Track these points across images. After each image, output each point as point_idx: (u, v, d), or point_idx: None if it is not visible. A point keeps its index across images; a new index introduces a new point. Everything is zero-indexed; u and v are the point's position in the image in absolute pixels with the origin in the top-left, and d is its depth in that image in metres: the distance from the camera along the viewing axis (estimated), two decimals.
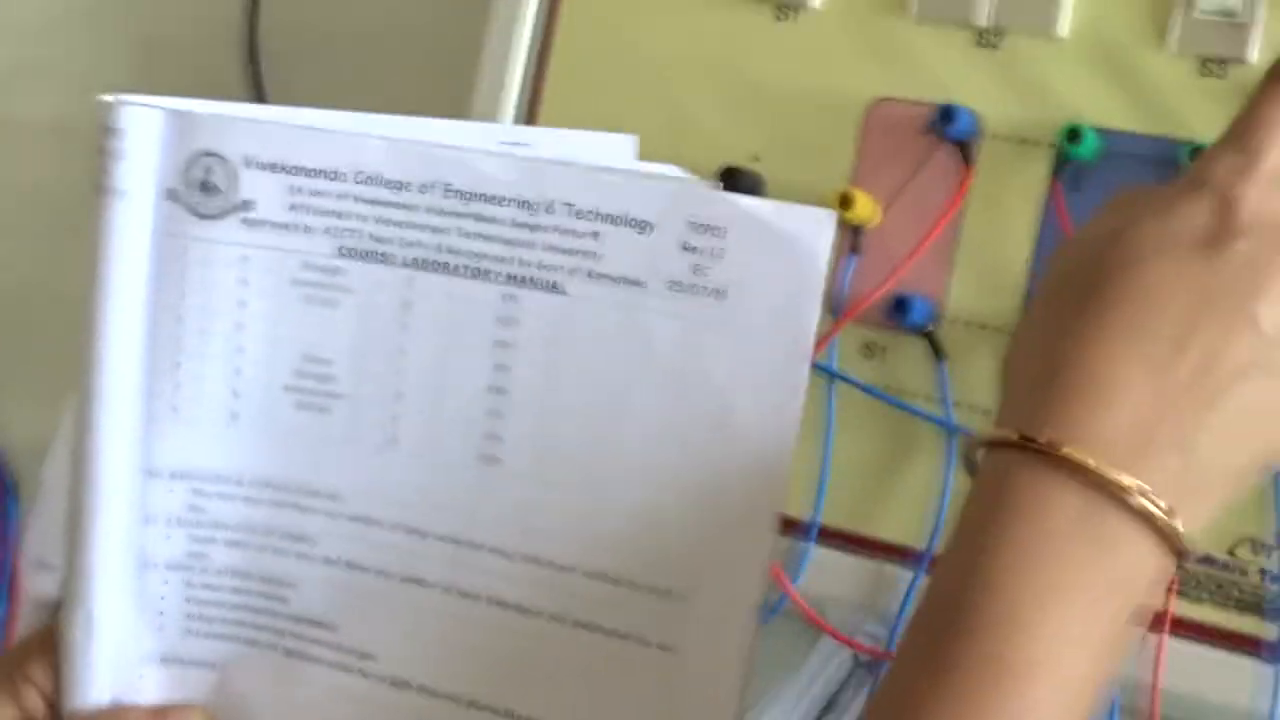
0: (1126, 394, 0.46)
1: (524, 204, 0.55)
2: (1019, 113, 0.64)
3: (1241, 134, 0.50)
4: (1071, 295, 0.48)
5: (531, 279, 0.55)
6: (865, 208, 0.65)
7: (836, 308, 0.66)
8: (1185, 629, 0.60)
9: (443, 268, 0.56)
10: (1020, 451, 0.46)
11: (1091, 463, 0.45)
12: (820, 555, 0.65)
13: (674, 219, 0.54)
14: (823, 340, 0.64)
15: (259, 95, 0.94)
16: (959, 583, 0.46)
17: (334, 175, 0.57)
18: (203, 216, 0.58)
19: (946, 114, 0.64)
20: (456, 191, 0.56)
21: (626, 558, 0.55)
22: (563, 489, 0.56)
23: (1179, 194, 0.49)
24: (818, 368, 0.65)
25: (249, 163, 0.57)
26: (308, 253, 0.57)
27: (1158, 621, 0.60)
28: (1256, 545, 0.60)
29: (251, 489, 0.58)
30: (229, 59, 0.96)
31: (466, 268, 0.56)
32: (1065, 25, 0.64)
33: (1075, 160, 0.63)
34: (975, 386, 0.64)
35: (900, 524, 0.65)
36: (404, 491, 0.57)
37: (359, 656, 0.57)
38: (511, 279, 0.56)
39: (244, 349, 0.58)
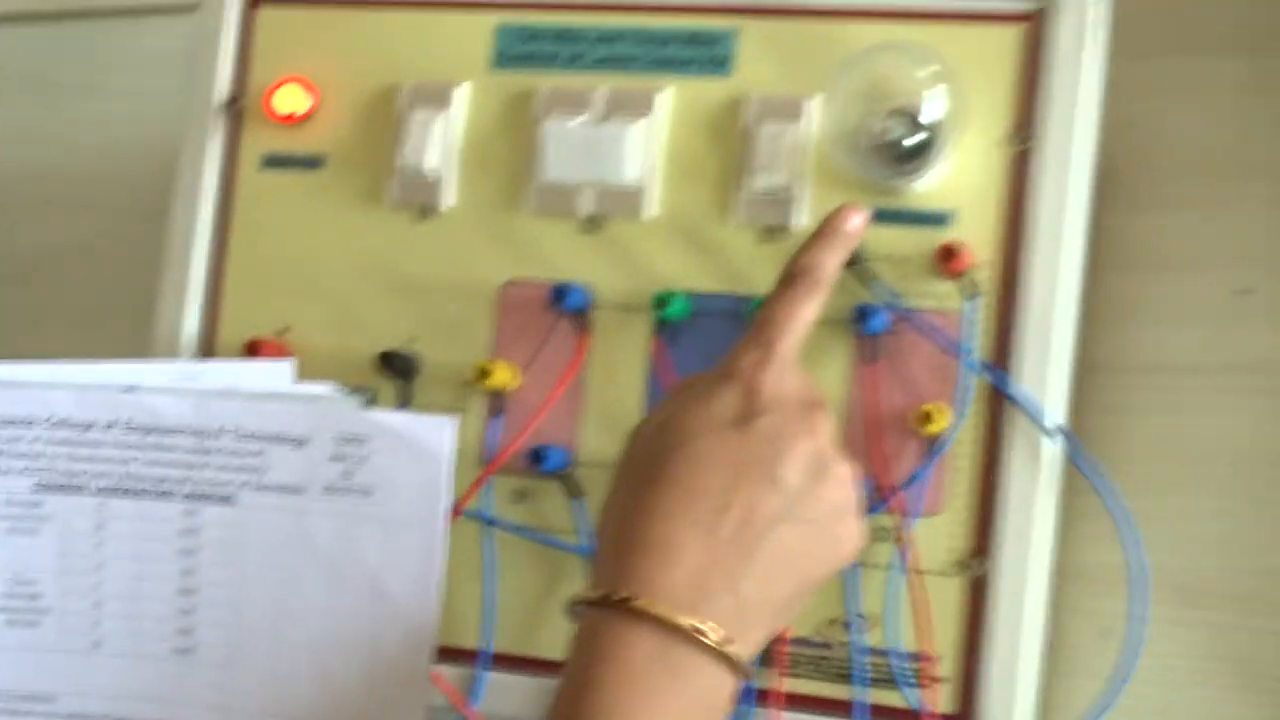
0: (683, 554, 0.58)
1: (196, 432, 0.67)
2: (622, 284, 0.77)
3: (759, 330, 0.63)
4: (638, 474, 0.61)
5: (207, 494, 0.67)
6: (503, 375, 0.76)
7: (486, 461, 0.76)
8: (795, 702, 0.72)
9: (130, 492, 0.67)
10: (605, 608, 0.58)
11: (659, 611, 0.57)
12: (495, 679, 0.75)
13: (324, 434, 0.67)
14: (471, 490, 0.75)
15: None
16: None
17: (28, 423, 0.67)
18: None
19: (561, 291, 0.76)
20: (137, 427, 0.67)
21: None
22: (250, 669, 0.66)
23: (715, 383, 0.62)
24: (474, 515, 0.75)
25: None
26: (8, 490, 0.67)
27: (775, 699, 0.71)
28: (840, 623, 0.72)
29: None
30: None
31: (150, 490, 0.67)
32: (652, 210, 0.77)
33: (670, 320, 0.75)
34: None
35: (558, 642, 0.75)
36: (111, 687, 0.67)
37: None
38: (190, 496, 0.67)
39: None
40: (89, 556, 0.67)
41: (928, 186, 0.73)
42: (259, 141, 0.82)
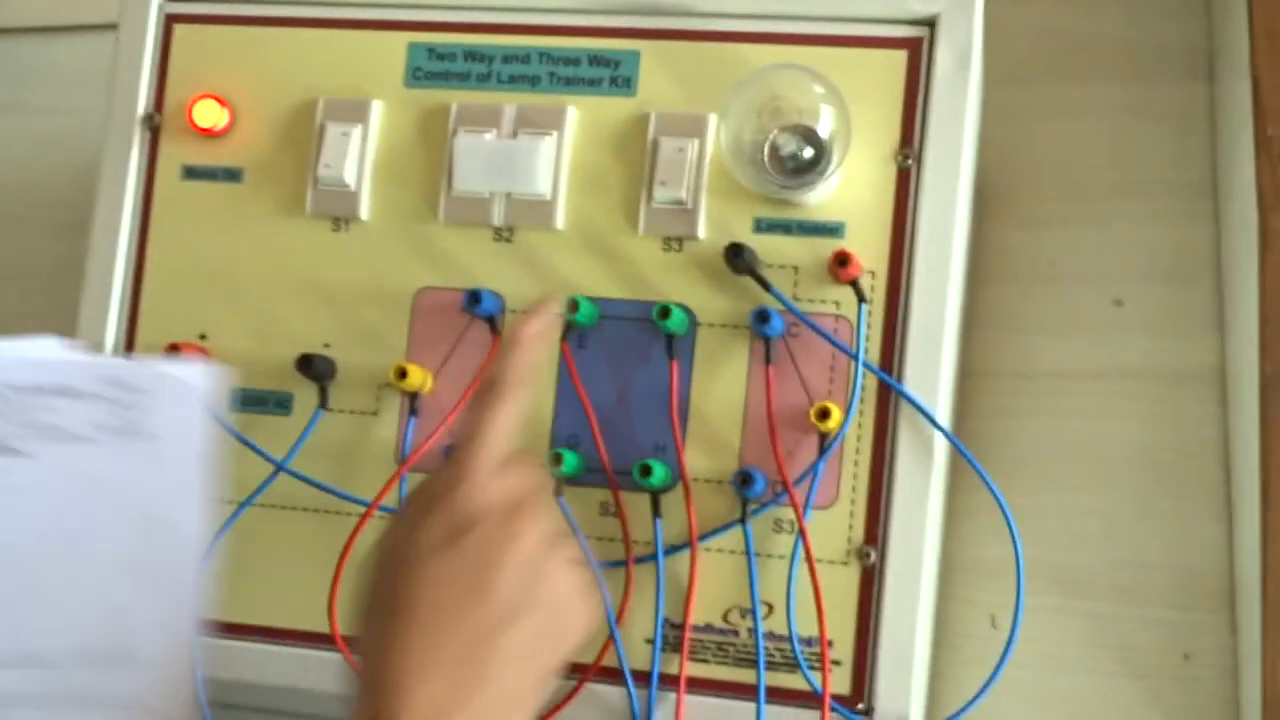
0: (419, 686, 0.61)
1: None
2: (533, 291, 0.80)
3: (455, 451, 0.66)
4: (372, 609, 0.64)
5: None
6: (418, 377, 0.79)
7: (401, 458, 0.79)
8: (699, 685, 0.76)
9: None
10: None
11: None
12: None
13: (99, 384, 0.73)
14: (387, 486, 0.78)
15: None
16: None
17: None
18: None
19: (474, 297, 0.79)
20: None
21: (95, 639, 0.72)
22: (39, 600, 0.72)
23: (423, 510, 0.65)
24: (390, 510, 0.78)
25: None
26: None
27: (674, 682, 0.75)
28: (743, 611, 0.76)
29: None
30: None
31: None
32: (561, 220, 0.80)
33: (578, 325, 0.79)
34: None
35: None
36: None
37: None
38: None
39: None
40: None
41: (820, 199, 0.78)
42: (178, 154, 0.85)
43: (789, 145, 0.75)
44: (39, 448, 0.72)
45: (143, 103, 0.85)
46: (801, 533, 0.74)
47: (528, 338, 0.69)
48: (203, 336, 0.83)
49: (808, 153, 0.75)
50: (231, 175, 0.84)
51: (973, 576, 0.85)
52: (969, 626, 0.84)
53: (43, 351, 0.76)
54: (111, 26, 1.03)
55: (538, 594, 0.64)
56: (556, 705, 0.76)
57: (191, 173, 0.85)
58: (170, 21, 0.86)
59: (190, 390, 0.74)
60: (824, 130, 0.75)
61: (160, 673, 0.73)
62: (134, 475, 0.73)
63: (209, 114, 0.84)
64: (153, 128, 0.85)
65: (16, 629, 0.72)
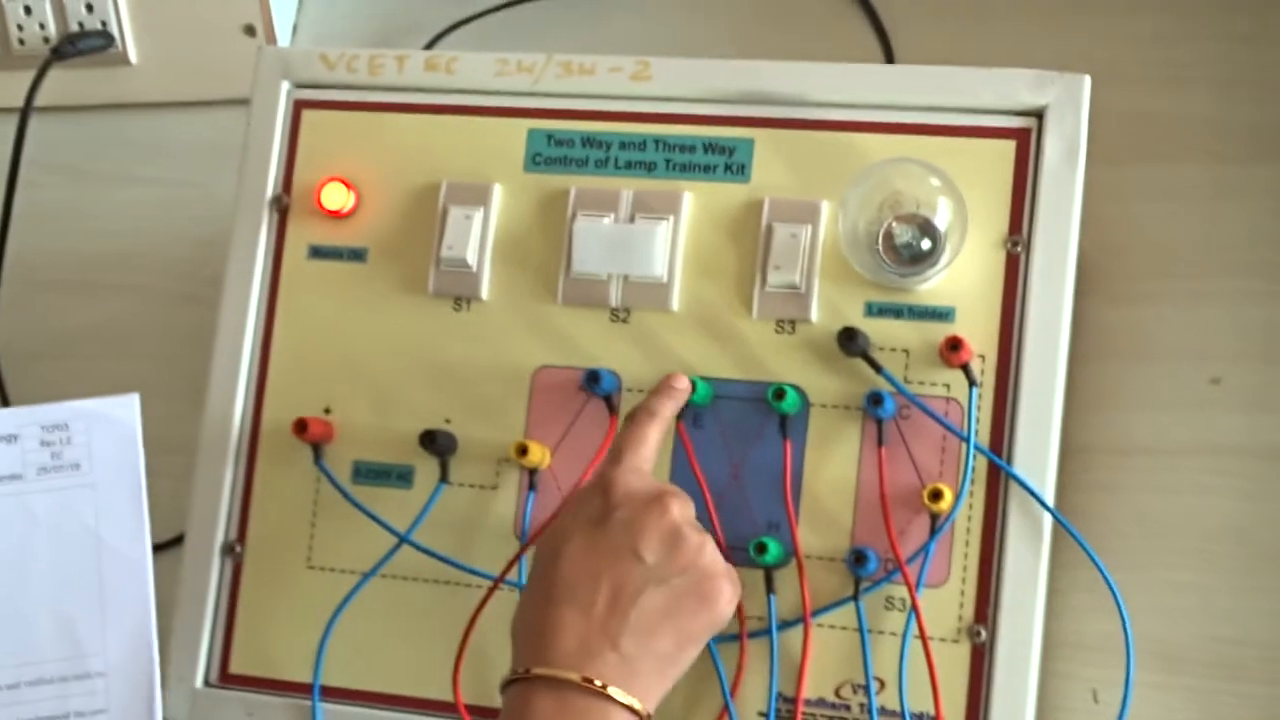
0: (567, 629, 0.72)
1: None
2: (648, 371, 0.83)
3: (613, 448, 0.77)
4: (534, 579, 0.75)
5: None
6: (538, 454, 0.82)
7: (523, 534, 0.82)
8: None
9: None
10: (514, 683, 0.72)
11: (551, 672, 0.70)
12: None
13: (30, 427, 0.82)
14: (511, 563, 0.81)
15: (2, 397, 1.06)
16: None
17: None
18: None
19: (593, 376, 0.82)
20: None
21: (54, 663, 0.80)
22: None
23: (585, 494, 0.76)
24: (513, 584, 0.81)
25: None
26: None
27: None
28: (854, 686, 0.78)
29: None
30: None
31: None
32: (676, 303, 0.83)
33: (693, 404, 0.81)
34: None
35: None
36: None
37: None
38: None
39: None
40: None
41: (931, 285, 0.80)
42: (305, 234, 0.88)
43: (904, 235, 0.77)
44: None
45: (271, 185, 0.89)
46: (915, 610, 0.76)
47: (680, 387, 0.79)
48: (327, 410, 0.86)
49: (925, 244, 0.77)
50: (356, 255, 0.87)
51: (1074, 651, 0.86)
52: (1071, 701, 0.85)
53: None
54: (227, 103, 1.08)
55: (679, 563, 0.73)
56: None
57: (318, 252, 0.88)
58: (299, 107, 0.89)
59: (115, 423, 0.82)
60: (941, 221, 0.77)
61: (118, 684, 0.80)
62: (74, 509, 0.81)
63: (336, 196, 0.87)
64: (281, 209, 0.88)
65: None
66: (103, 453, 0.83)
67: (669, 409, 0.79)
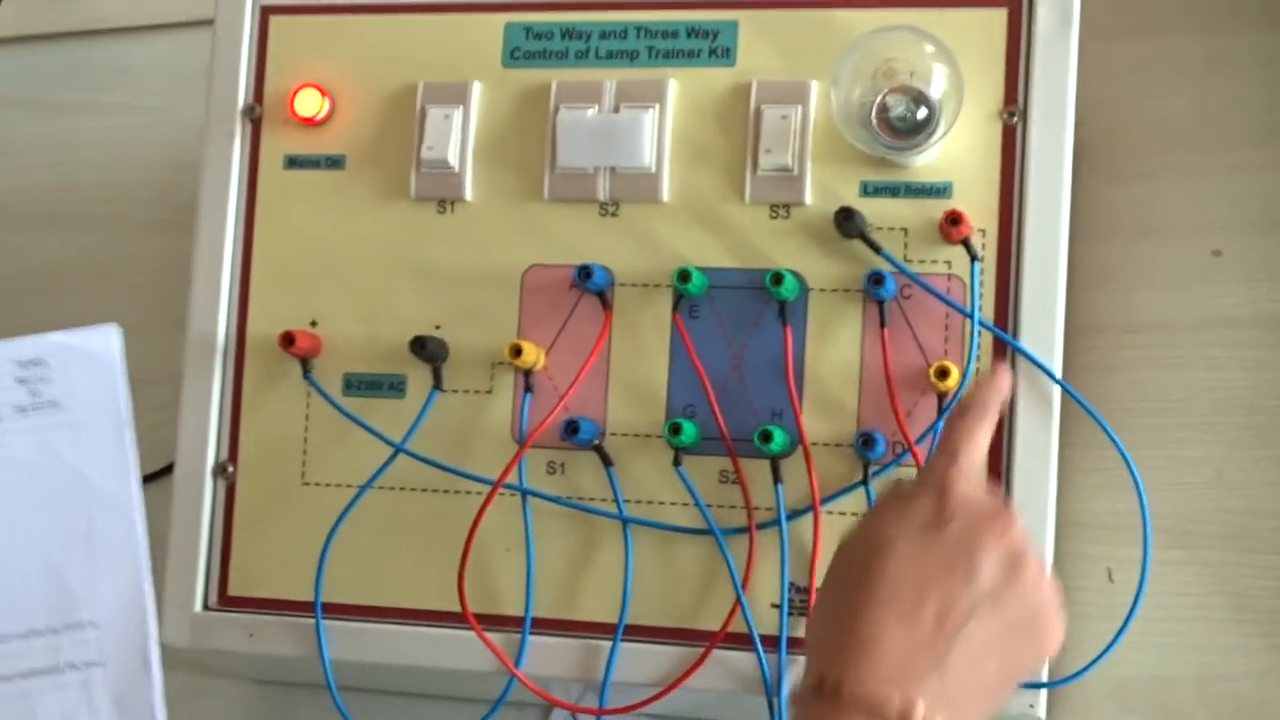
0: (887, 645, 0.62)
1: None
2: (640, 264, 0.81)
3: (946, 444, 0.68)
4: (844, 579, 0.65)
5: None
6: (532, 354, 0.80)
7: (520, 437, 0.80)
8: None
9: None
10: (820, 697, 0.62)
11: (867, 690, 0.61)
12: (537, 642, 0.79)
13: (4, 364, 0.76)
14: (510, 465, 0.79)
15: None
16: None
17: None
18: None
19: (585, 271, 0.80)
20: None
21: (44, 613, 0.75)
22: None
23: (912, 492, 0.66)
24: (511, 487, 0.79)
25: None
26: None
27: (802, 645, 0.75)
28: None
29: None
30: None
31: None
32: (666, 193, 0.81)
33: (688, 295, 0.79)
34: (639, 484, 0.79)
35: (596, 604, 0.79)
36: None
37: None
38: None
39: None
40: None
41: (926, 160, 0.78)
42: (280, 144, 0.85)
43: (898, 107, 0.75)
44: None
45: (242, 95, 0.86)
46: None
47: (1008, 385, 0.71)
48: (313, 323, 0.84)
49: (921, 113, 0.75)
50: (334, 163, 0.85)
51: (1086, 531, 0.85)
52: (1086, 581, 0.84)
53: None
54: (189, 24, 1.05)
55: (1016, 589, 0.64)
56: (684, 673, 0.77)
57: (294, 162, 0.85)
58: (266, 13, 0.86)
59: (95, 356, 0.76)
60: (936, 90, 0.75)
61: (111, 634, 0.75)
62: (55, 449, 0.75)
63: (310, 103, 0.84)
64: (254, 119, 0.86)
65: None
66: (83, 388, 0.76)
67: (998, 406, 0.70)
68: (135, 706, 0.75)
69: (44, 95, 1.08)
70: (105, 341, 0.77)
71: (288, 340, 0.82)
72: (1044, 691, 0.75)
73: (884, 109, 0.75)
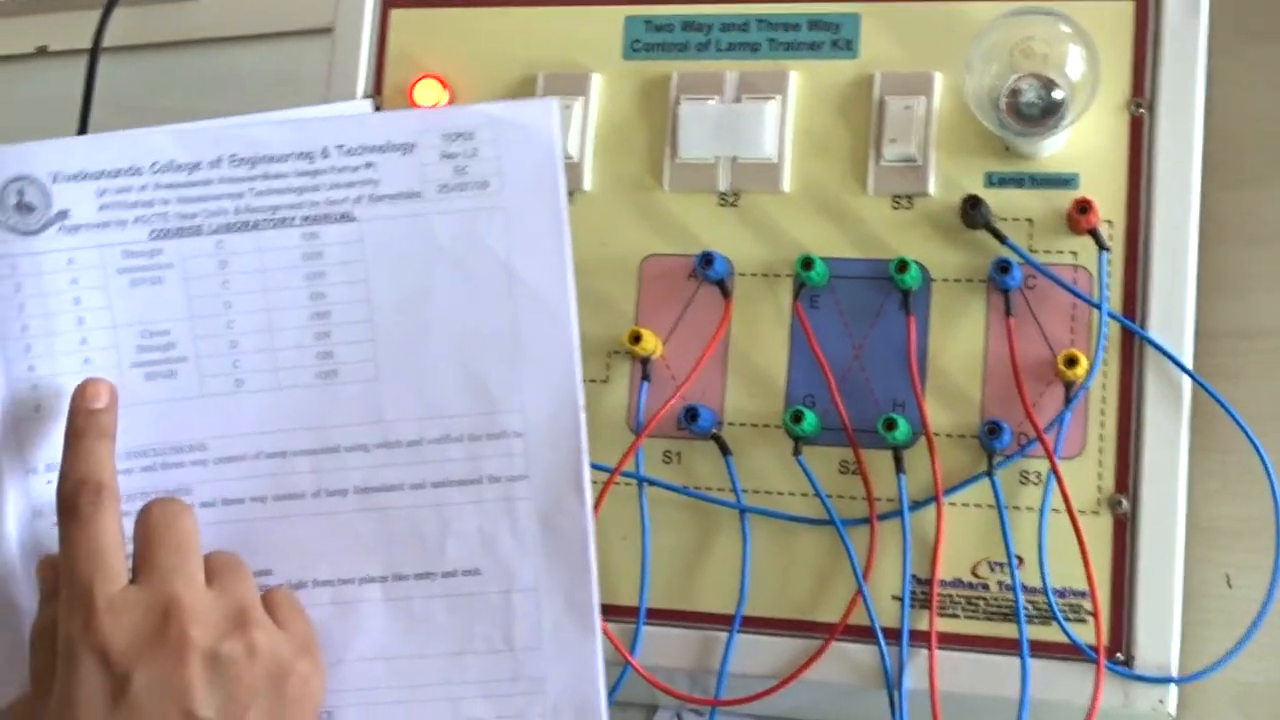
0: None
1: (303, 155, 0.66)
2: (761, 253, 0.80)
3: (67, 579, 0.58)
4: None
5: (325, 215, 0.66)
6: (650, 342, 0.80)
7: (637, 426, 0.79)
8: (949, 640, 0.75)
9: (246, 226, 0.66)
10: None
11: None
12: (652, 632, 0.78)
13: (429, 135, 0.67)
14: (628, 454, 0.78)
15: None
16: None
17: (133, 171, 0.66)
18: (25, 233, 0.66)
19: (706, 259, 0.79)
20: (242, 159, 0.66)
21: (462, 418, 0.67)
22: (396, 379, 0.66)
23: (63, 675, 0.56)
24: (629, 475, 0.78)
25: (56, 177, 0.66)
26: (126, 243, 0.66)
27: (924, 639, 0.74)
28: (992, 564, 0.75)
29: (123, 461, 0.65)
30: None
31: (267, 220, 0.66)
32: (787, 183, 0.81)
33: (810, 285, 0.79)
34: (757, 474, 0.79)
35: (712, 595, 0.78)
36: (260, 424, 0.66)
37: (256, 575, 0.65)
38: (308, 219, 0.66)
39: (88, 340, 0.66)
40: (216, 297, 0.66)
41: (1052, 151, 0.77)
42: None
43: (1029, 93, 0.75)
44: (369, 211, 0.66)
45: (361, 88, 0.86)
46: (1057, 477, 0.73)
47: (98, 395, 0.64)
48: None
49: (1057, 94, 0.74)
50: None
51: (1205, 536, 0.83)
52: (1204, 586, 0.82)
53: (357, 109, 0.71)
54: (297, 34, 1.06)
55: (244, 687, 0.59)
56: (805, 664, 0.75)
57: None
58: (387, 6, 0.87)
59: (530, 133, 0.67)
60: (1074, 71, 0.75)
61: (538, 447, 0.67)
62: (479, 235, 0.66)
63: (430, 94, 0.85)
64: (374, 110, 0.86)
65: (374, 413, 0.66)
66: (515, 169, 0.66)
67: (101, 461, 0.63)
68: (564, 530, 0.67)
69: (153, 104, 1.09)
70: (544, 117, 0.67)
71: None
72: (1174, 687, 0.73)
73: (1015, 93, 0.75)
